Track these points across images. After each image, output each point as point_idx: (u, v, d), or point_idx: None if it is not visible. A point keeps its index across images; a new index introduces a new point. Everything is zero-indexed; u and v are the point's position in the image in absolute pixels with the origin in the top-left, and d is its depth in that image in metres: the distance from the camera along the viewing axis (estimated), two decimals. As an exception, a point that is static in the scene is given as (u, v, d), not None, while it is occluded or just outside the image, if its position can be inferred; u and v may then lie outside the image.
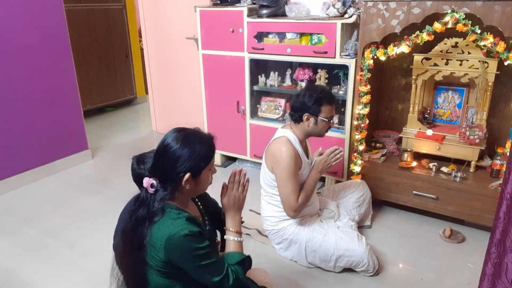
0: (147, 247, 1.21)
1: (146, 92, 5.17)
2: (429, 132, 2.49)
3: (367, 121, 2.52)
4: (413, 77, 2.47)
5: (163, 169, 1.24)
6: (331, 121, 2.03)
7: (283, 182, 1.96)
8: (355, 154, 2.54)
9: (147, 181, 1.23)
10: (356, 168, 2.53)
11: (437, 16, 2.11)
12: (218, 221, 1.48)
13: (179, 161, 1.22)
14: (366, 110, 2.48)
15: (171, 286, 1.27)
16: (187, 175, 1.22)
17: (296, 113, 2.00)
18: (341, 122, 2.75)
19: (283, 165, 1.94)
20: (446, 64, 2.37)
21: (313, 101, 1.95)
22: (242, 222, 1.48)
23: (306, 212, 2.13)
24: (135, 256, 1.23)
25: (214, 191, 1.49)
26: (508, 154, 2.23)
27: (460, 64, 2.33)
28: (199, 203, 1.47)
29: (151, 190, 1.23)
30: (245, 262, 1.33)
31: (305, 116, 1.98)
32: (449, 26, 2.07)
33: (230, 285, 1.24)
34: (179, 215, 1.22)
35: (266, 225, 2.17)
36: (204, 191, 1.36)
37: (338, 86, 2.79)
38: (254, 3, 2.91)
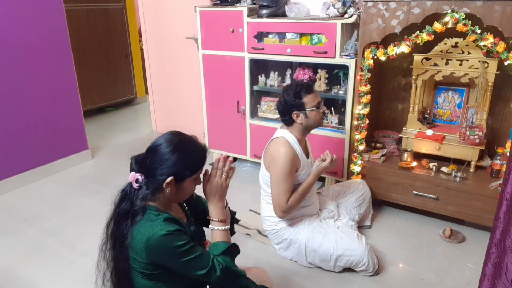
0: (129, 249, 1.23)
1: (146, 92, 5.18)
2: (429, 132, 2.49)
3: (367, 121, 2.52)
4: (413, 77, 2.47)
5: (149, 167, 1.24)
6: (320, 107, 2.02)
7: (277, 182, 1.97)
8: (355, 154, 2.54)
9: (132, 176, 1.25)
10: (356, 168, 2.53)
11: (437, 16, 2.11)
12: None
13: (165, 163, 1.22)
14: (366, 110, 2.48)
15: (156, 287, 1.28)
16: (170, 178, 1.22)
17: (285, 117, 2.01)
18: (341, 122, 2.75)
19: (279, 165, 1.94)
20: (446, 64, 2.37)
21: (293, 97, 1.96)
22: (235, 215, 1.49)
23: (306, 212, 2.13)
24: (118, 251, 1.25)
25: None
26: (508, 154, 2.23)
27: (460, 64, 2.33)
28: (184, 204, 1.47)
29: (135, 185, 1.25)
30: (232, 250, 1.32)
31: (294, 115, 1.98)
32: (449, 26, 2.07)
33: (218, 275, 1.23)
34: (158, 216, 1.22)
35: (265, 225, 2.17)
36: (184, 199, 1.36)
37: (338, 86, 2.79)
38: (254, 3, 2.91)
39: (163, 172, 1.22)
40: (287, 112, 1.99)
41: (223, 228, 1.34)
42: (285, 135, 2.01)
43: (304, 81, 2.74)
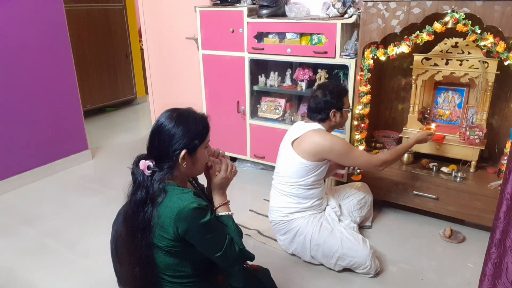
0: (155, 229, 1.24)
1: (146, 92, 5.18)
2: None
3: (367, 121, 2.52)
4: (413, 77, 2.47)
5: (159, 148, 1.27)
6: (350, 109, 2.17)
7: (351, 155, 2.04)
8: (355, 154, 2.54)
9: (143, 163, 1.26)
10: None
11: (437, 16, 2.11)
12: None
13: (174, 139, 1.25)
14: (366, 110, 2.48)
15: (180, 265, 1.31)
16: (183, 151, 1.25)
17: (322, 113, 2.06)
18: (341, 122, 2.75)
19: (339, 146, 2.01)
20: (446, 64, 2.37)
21: (336, 97, 2.05)
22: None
23: (317, 208, 2.14)
24: (140, 239, 1.25)
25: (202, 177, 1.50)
26: (508, 154, 2.23)
27: (460, 64, 2.33)
28: (195, 185, 1.51)
29: (147, 172, 1.26)
30: (240, 232, 1.39)
31: (332, 113, 2.05)
32: (449, 26, 2.07)
33: (237, 251, 1.31)
34: (183, 190, 1.25)
35: (274, 216, 2.15)
36: (202, 170, 1.38)
37: (338, 86, 2.79)
38: (254, 3, 2.91)
39: (175, 148, 1.25)
40: (324, 110, 2.05)
41: (229, 213, 1.40)
42: (321, 127, 2.07)
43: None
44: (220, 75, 3.10)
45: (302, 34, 2.72)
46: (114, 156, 3.68)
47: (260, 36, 2.86)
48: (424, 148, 2.51)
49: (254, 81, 3.01)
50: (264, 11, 2.79)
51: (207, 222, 1.23)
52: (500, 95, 2.45)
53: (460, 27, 2.03)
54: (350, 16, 2.48)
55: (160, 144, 1.26)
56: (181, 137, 1.25)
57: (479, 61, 2.26)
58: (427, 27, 2.12)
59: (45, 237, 2.41)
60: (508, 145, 2.26)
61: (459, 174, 2.33)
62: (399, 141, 2.69)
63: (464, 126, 2.39)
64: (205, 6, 3.03)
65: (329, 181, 2.85)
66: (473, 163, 2.40)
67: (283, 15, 2.83)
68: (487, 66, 2.25)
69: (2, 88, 2.84)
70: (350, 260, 1.98)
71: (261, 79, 3.02)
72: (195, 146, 1.28)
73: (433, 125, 2.49)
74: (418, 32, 2.15)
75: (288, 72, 2.97)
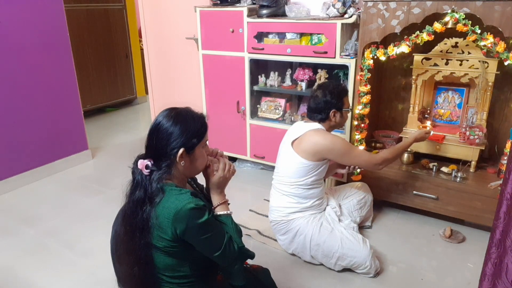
0: (153, 229, 1.24)
1: (146, 92, 5.18)
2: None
3: (367, 121, 2.52)
4: (413, 77, 2.47)
5: (156, 147, 1.27)
6: (349, 109, 2.18)
7: (353, 155, 2.06)
8: (355, 154, 2.54)
9: (141, 163, 1.26)
10: (356, 168, 2.53)
11: (437, 16, 2.11)
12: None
13: (172, 137, 1.25)
14: (366, 110, 2.48)
15: (179, 265, 1.31)
16: (181, 150, 1.25)
17: (322, 113, 2.07)
18: (341, 122, 2.75)
19: (339, 145, 2.01)
20: (446, 64, 2.37)
21: (336, 97, 2.05)
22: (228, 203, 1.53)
23: (317, 208, 2.14)
24: (138, 239, 1.25)
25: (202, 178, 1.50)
26: (508, 154, 2.23)
27: (460, 64, 2.33)
28: (194, 185, 1.51)
29: (146, 172, 1.26)
30: (240, 231, 1.39)
31: (332, 113, 2.06)
32: (449, 26, 2.07)
33: (236, 250, 1.30)
34: (181, 191, 1.25)
35: (275, 216, 2.15)
36: (200, 169, 1.38)
37: (338, 86, 2.79)
38: (254, 3, 2.91)
39: (172, 146, 1.25)
40: (324, 110, 2.06)
41: (227, 212, 1.39)
42: (321, 127, 2.07)
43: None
44: (220, 75, 3.10)
45: (302, 34, 2.72)
46: (114, 156, 3.68)
47: (260, 36, 2.86)
48: (424, 148, 2.51)
49: (254, 81, 3.01)
50: (264, 11, 2.79)
51: (205, 222, 1.23)
52: (500, 95, 2.45)
53: (460, 27, 2.03)
54: (350, 16, 2.48)
55: (158, 143, 1.26)
56: (179, 136, 1.25)
57: (479, 61, 2.26)
58: (427, 27, 2.12)
59: (45, 237, 2.41)
60: (508, 145, 2.26)
61: (459, 174, 2.33)
62: (399, 141, 2.69)
63: (464, 126, 2.39)
64: (205, 6, 3.03)
65: (329, 181, 2.85)
66: (473, 163, 2.40)
67: (283, 15, 2.83)
68: (487, 66, 2.25)
69: (2, 88, 2.84)
70: (350, 260, 1.98)
71: (261, 79, 3.02)
72: (193, 144, 1.28)
73: (428, 123, 2.49)
74: (418, 32, 2.15)
75: (288, 72, 2.97)
